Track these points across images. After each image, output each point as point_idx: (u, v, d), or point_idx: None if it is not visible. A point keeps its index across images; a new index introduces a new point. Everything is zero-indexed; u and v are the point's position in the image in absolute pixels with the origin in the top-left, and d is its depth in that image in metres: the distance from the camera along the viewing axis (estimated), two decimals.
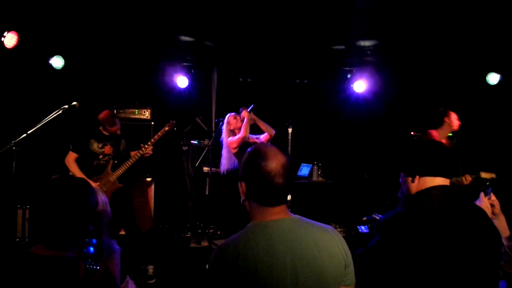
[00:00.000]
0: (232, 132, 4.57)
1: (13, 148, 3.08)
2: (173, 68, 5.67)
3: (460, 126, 3.95)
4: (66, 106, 3.30)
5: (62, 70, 4.90)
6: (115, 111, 5.48)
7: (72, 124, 4.83)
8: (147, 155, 4.13)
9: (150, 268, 4.01)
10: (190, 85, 5.79)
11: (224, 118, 5.00)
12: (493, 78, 5.24)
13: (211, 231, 5.57)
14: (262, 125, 4.60)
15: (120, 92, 5.61)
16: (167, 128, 4.29)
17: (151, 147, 4.13)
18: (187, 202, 5.71)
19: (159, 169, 5.60)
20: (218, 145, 5.36)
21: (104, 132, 4.11)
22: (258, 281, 1.26)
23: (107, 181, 4.00)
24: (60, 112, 3.26)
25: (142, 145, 4.11)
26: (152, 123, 5.54)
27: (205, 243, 5.16)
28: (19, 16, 4.00)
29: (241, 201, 1.44)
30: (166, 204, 5.78)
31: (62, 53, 4.84)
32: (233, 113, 4.64)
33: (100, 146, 4.06)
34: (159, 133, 4.22)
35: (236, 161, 4.55)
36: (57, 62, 4.81)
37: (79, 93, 5.14)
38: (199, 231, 5.48)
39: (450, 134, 4.03)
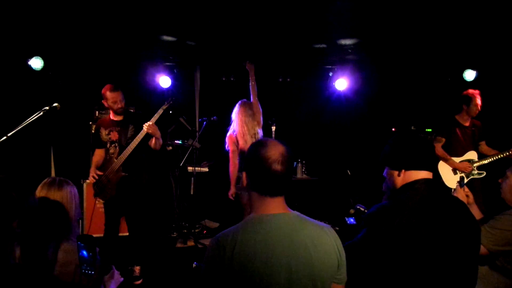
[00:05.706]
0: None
1: None
2: (155, 68, 5.62)
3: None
4: (47, 108, 3.22)
5: (41, 71, 4.80)
6: (97, 112, 5.40)
7: (53, 126, 4.74)
8: (149, 130, 3.79)
9: (137, 269, 3.98)
10: (173, 85, 5.75)
11: (206, 118, 4.98)
12: (469, 75, 5.41)
13: (197, 230, 5.55)
14: (253, 87, 4.46)
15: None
16: (165, 107, 4.05)
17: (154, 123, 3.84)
18: (172, 202, 5.69)
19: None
20: (203, 143, 5.37)
21: (111, 117, 3.95)
22: (254, 273, 1.29)
23: (111, 169, 3.79)
24: (41, 113, 3.18)
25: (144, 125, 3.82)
26: None
27: (191, 243, 5.16)
28: None
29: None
30: (151, 205, 5.72)
31: (41, 54, 4.75)
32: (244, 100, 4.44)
33: (106, 133, 3.88)
34: (156, 115, 3.95)
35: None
36: (36, 63, 4.71)
37: (59, 94, 5.03)
38: (185, 231, 5.46)
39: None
